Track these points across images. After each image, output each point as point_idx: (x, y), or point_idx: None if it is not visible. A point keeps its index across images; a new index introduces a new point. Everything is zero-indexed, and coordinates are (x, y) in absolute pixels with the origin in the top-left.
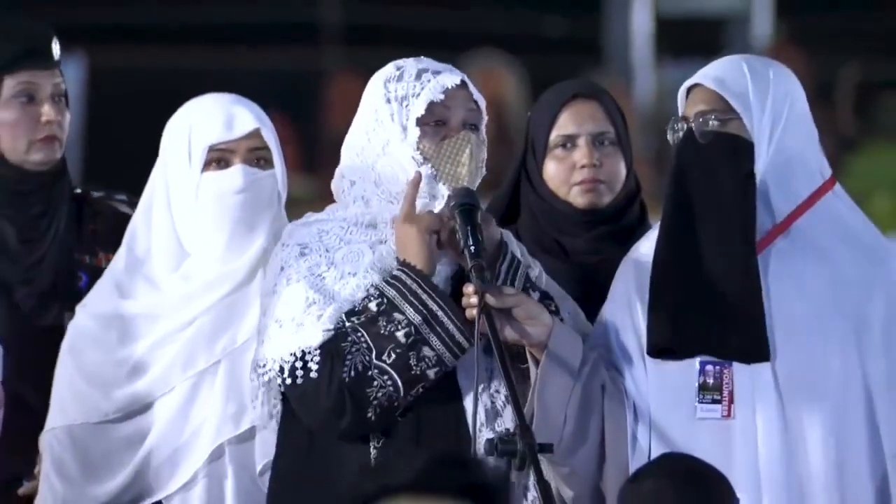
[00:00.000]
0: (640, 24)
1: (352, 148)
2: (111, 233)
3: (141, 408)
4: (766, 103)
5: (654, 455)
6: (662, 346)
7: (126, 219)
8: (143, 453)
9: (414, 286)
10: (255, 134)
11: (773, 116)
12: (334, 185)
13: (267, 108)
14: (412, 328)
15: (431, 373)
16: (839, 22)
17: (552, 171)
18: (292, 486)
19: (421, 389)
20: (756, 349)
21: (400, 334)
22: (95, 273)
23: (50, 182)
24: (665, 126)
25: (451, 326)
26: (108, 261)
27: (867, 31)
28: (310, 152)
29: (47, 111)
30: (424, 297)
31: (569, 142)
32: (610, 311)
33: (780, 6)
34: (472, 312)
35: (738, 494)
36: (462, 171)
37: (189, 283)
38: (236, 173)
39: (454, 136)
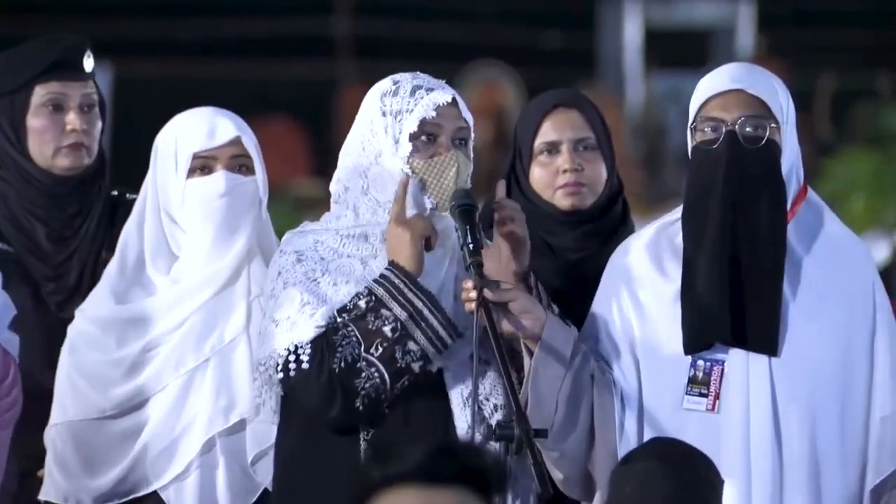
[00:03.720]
0: (631, 37)
1: (348, 155)
2: None
3: (137, 404)
4: (788, 112)
5: (643, 441)
6: (699, 344)
7: None
8: (139, 446)
9: (401, 285)
10: (236, 142)
11: (789, 125)
12: (332, 187)
13: (283, 116)
14: (398, 324)
15: (416, 366)
16: (816, 36)
17: (537, 175)
18: (294, 480)
19: (406, 382)
20: (769, 343)
21: (387, 329)
22: None
23: (87, 185)
24: (653, 131)
25: (434, 323)
26: None
27: (842, 44)
28: (322, 157)
29: (72, 120)
30: (410, 295)
31: (552, 148)
32: (599, 305)
33: (761, 20)
34: (470, 306)
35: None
36: (447, 188)
37: (178, 286)
38: (219, 179)
39: (443, 155)
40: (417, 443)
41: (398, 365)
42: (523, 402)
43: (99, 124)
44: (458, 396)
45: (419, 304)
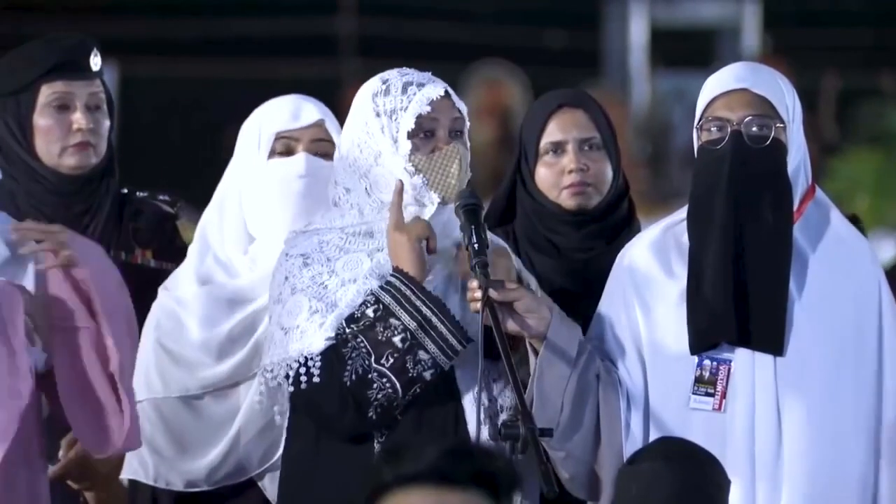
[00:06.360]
0: (636, 37)
1: (343, 159)
2: (152, 231)
3: (226, 389)
4: (794, 111)
5: (649, 441)
6: (705, 344)
7: (167, 218)
8: (233, 433)
9: (408, 292)
10: (320, 125)
11: (796, 124)
12: (330, 193)
13: None
14: (408, 333)
15: (427, 374)
16: (821, 35)
17: (543, 175)
18: (302, 483)
19: (419, 389)
20: (774, 343)
21: (397, 339)
22: (128, 269)
23: (95, 183)
24: (658, 130)
25: (444, 330)
26: (145, 258)
27: (847, 44)
28: None
29: (78, 119)
30: (418, 303)
31: (557, 148)
32: (606, 306)
33: (767, 20)
34: (476, 306)
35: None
36: (451, 181)
37: (257, 269)
38: (300, 160)
39: (444, 149)
40: (430, 444)
41: (409, 375)
42: (529, 402)
43: (106, 123)
44: (470, 399)
45: (427, 312)
